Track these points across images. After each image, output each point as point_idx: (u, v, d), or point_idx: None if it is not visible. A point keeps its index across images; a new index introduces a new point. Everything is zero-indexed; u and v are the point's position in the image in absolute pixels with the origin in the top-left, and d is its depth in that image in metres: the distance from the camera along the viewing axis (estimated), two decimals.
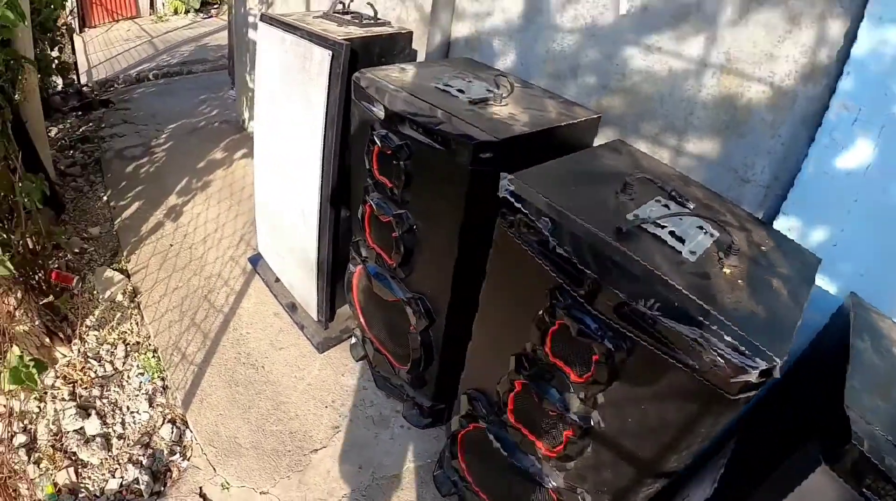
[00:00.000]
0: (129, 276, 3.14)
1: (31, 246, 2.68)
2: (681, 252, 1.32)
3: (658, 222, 1.39)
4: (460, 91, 1.91)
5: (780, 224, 1.72)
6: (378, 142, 1.89)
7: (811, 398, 1.43)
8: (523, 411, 1.63)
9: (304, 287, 2.76)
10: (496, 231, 1.55)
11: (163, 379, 2.60)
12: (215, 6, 9.87)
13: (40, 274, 2.71)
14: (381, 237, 2.11)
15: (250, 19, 4.26)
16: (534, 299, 1.45)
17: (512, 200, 1.45)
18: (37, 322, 2.56)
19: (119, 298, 3.01)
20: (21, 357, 2.25)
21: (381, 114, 1.88)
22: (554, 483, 1.61)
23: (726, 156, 1.84)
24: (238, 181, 4.16)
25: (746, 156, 1.80)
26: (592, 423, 1.42)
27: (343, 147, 2.26)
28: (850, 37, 1.54)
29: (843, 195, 1.58)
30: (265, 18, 2.48)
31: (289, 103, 2.44)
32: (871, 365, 1.34)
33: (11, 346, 2.43)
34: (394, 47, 2.35)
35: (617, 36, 1.99)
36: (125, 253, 3.31)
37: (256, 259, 3.26)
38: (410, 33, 2.40)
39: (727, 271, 1.30)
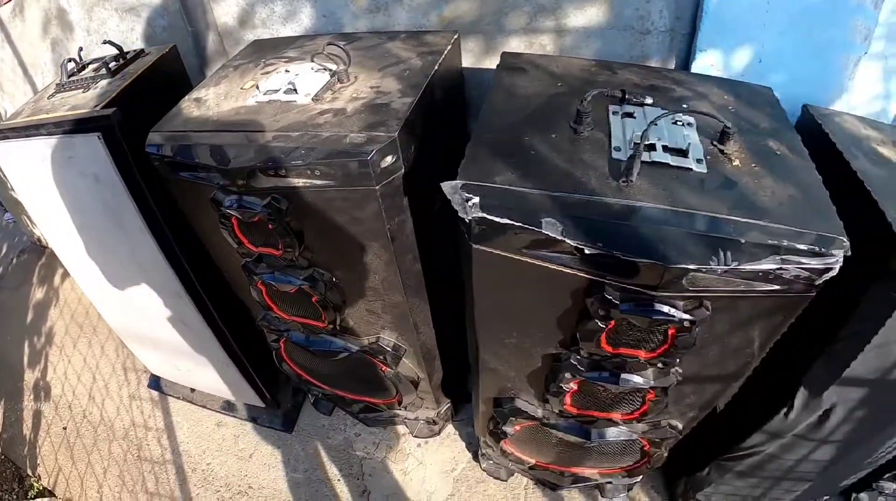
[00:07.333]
0: (52, 493, 2.32)
1: None
2: (690, 168, 1.06)
3: (646, 143, 1.08)
4: (292, 90, 1.31)
5: (699, 63, 1.50)
6: (234, 212, 1.27)
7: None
8: (584, 399, 1.38)
9: (228, 383, 2.16)
10: (474, 255, 1.11)
11: None
12: None
13: None
14: (293, 306, 1.57)
15: None
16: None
17: (493, 217, 1.05)
18: None
19: None
20: None
21: (221, 179, 1.25)
22: (638, 432, 1.45)
23: (616, 15, 1.45)
24: (77, 309, 3.18)
25: (638, 7, 1.45)
26: (673, 380, 1.24)
27: (181, 237, 1.61)
28: None
29: (754, 11, 1.40)
30: None
31: (87, 219, 1.70)
32: (878, 175, 1.17)
33: None
34: (162, 76, 1.62)
35: None
36: (29, 471, 2.45)
37: (156, 382, 2.52)
38: (174, 48, 1.66)
39: (737, 162, 1.09)
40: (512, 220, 1.01)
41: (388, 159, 1.14)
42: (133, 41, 1.97)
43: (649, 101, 1.23)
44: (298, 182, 1.19)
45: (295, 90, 1.32)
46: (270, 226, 1.26)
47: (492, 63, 1.60)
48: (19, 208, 3.55)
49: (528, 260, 1.07)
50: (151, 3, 1.88)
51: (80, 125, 1.47)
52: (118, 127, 1.43)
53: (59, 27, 2.15)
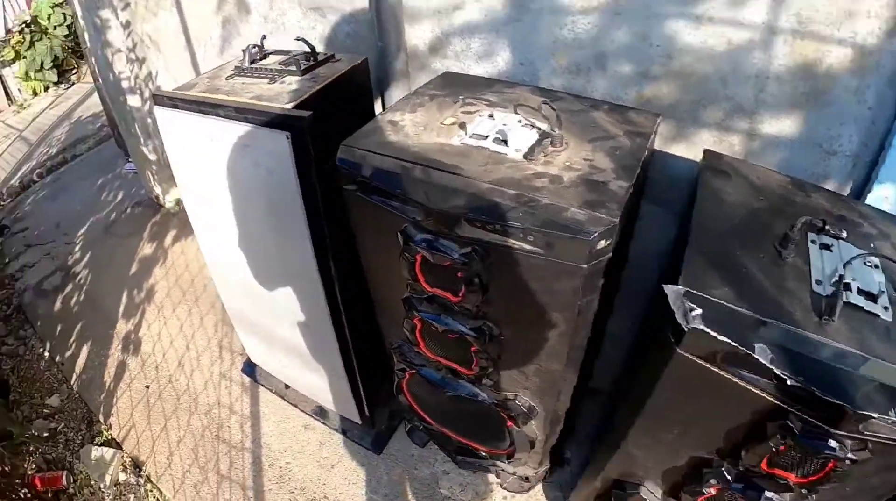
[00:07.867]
0: (120, 446, 2.31)
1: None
2: (878, 314, 1.08)
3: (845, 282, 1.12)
4: (501, 141, 1.33)
5: (875, 194, 1.52)
6: (423, 251, 1.29)
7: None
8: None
9: (332, 391, 2.14)
10: (674, 359, 1.12)
11: None
12: (73, 71, 7.91)
13: (23, 491, 2.03)
14: (444, 348, 1.58)
15: (125, 84, 3.20)
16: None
17: (712, 332, 1.07)
18: None
19: (122, 477, 2.21)
20: None
21: (418, 215, 1.28)
22: None
23: (809, 131, 1.47)
24: (183, 275, 3.18)
25: (831, 127, 1.46)
26: None
27: (339, 248, 1.62)
28: None
29: None
30: (161, 100, 1.60)
31: (245, 205, 1.72)
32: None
33: None
34: (352, 87, 1.64)
35: (651, 9, 1.46)
36: (101, 417, 2.45)
37: (251, 368, 2.50)
38: (365, 60, 1.67)
39: None
40: (727, 338, 1.03)
41: (603, 243, 1.16)
42: (311, 40, 1.98)
43: (844, 235, 1.26)
44: (505, 241, 1.20)
45: (504, 142, 1.33)
46: (460, 274, 1.28)
47: (677, 149, 1.61)
48: (146, 164, 3.60)
49: (723, 374, 1.09)
50: (341, 7, 1.89)
51: (271, 120, 1.49)
52: (309, 131, 1.45)
53: (235, 7, 2.16)
